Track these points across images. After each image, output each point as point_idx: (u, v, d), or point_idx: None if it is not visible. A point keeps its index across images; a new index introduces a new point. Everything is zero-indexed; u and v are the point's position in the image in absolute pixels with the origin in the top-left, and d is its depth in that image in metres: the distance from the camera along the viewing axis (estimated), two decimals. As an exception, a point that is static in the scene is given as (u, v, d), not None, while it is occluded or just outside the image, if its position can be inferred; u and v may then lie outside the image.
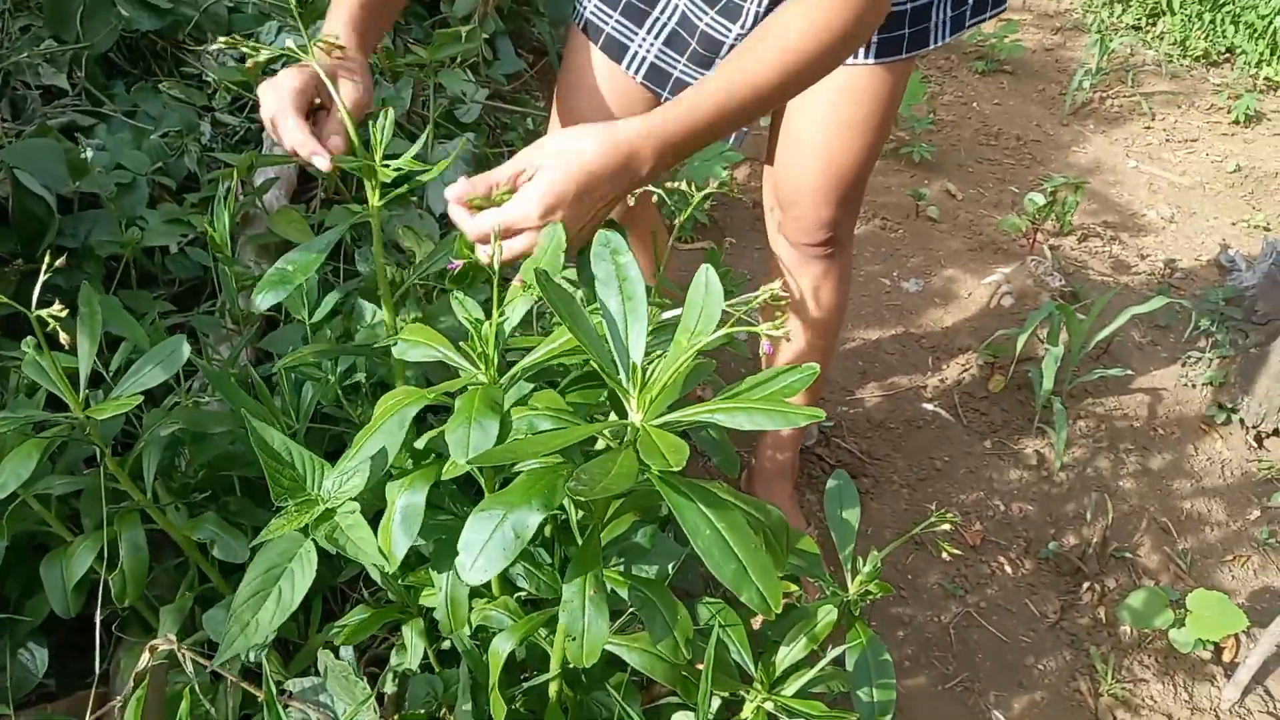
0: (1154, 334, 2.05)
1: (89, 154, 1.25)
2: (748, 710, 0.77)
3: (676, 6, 1.09)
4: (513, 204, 0.75)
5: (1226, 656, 1.46)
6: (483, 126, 1.68)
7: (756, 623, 0.95)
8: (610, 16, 1.12)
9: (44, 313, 0.68)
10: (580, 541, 0.72)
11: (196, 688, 0.75)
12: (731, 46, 1.07)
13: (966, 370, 1.88)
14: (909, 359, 1.90)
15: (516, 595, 0.79)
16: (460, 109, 1.57)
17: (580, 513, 0.76)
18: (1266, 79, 3.31)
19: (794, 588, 0.85)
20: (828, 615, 0.80)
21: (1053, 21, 3.55)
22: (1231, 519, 1.72)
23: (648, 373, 0.62)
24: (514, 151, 1.04)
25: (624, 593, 0.69)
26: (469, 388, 0.66)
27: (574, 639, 0.62)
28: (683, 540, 0.72)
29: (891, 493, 1.63)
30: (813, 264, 1.28)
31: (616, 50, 1.13)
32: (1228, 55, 3.42)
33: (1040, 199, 2.20)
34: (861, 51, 1.10)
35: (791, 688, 0.78)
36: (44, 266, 0.70)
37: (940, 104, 2.93)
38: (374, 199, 0.80)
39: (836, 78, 1.02)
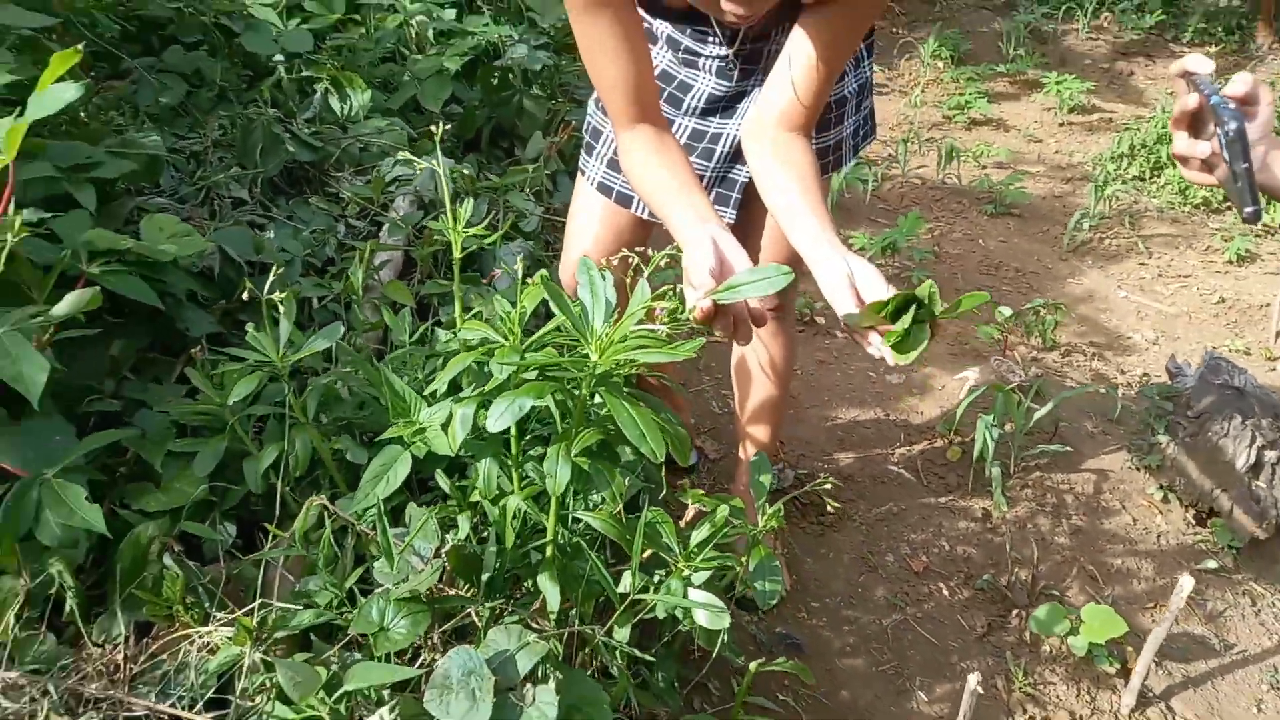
0: (1105, 425, 2.50)
1: (265, 239, 1.90)
2: (673, 569, 1.27)
3: None
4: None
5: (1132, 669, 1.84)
6: (539, 236, 2.32)
7: (683, 521, 1.44)
8: (616, 179, 1.62)
9: (274, 296, 1.27)
10: (559, 430, 1.25)
11: (330, 537, 1.29)
12: (707, 179, 1.61)
13: (931, 444, 2.35)
14: (883, 432, 2.39)
15: (526, 488, 1.31)
16: (523, 221, 2.21)
17: (562, 419, 1.28)
18: (1264, 225, 3.79)
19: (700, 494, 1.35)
20: (722, 512, 1.30)
21: (1064, 173, 4.14)
22: (1159, 575, 2.11)
23: (601, 336, 1.17)
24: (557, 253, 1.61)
25: (584, 466, 1.21)
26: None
27: (551, 475, 1.15)
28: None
29: (852, 529, 2.09)
30: (767, 324, 1.82)
31: (624, 200, 1.62)
32: (1229, 204, 3.92)
33: (1008, 310, 2.71)
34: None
35: (698, 560, 1.28)
36: (239, 301, 1.30)
37: (948, 240, 3.50)
38: (457, 270, 1.39)
39: None
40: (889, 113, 4.60)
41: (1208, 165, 1.10)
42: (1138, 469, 2.37)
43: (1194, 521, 2.27)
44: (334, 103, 2.43)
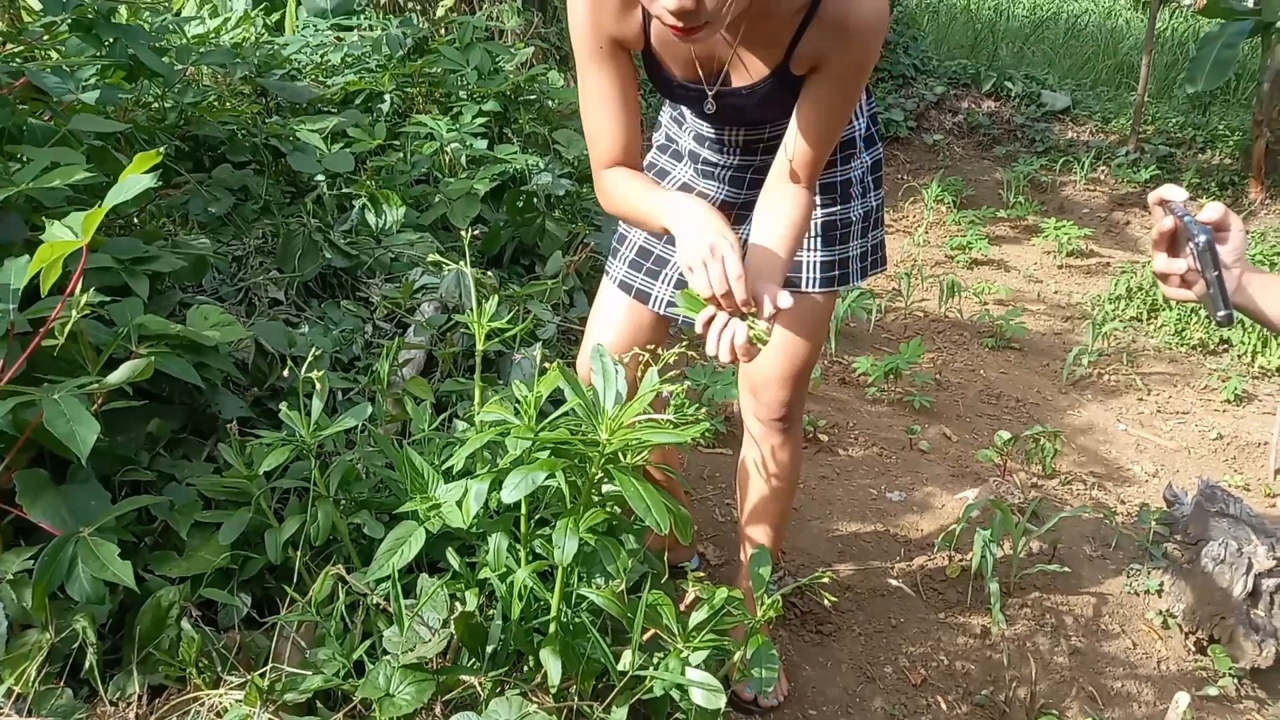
0: (1104, 550, 2.53)
1: (297, 335, 2.02)
2: (672, 649, 1.32)
3: (679, 265, 1.81)
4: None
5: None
6: (554, 344, 2.44)
7: (682, 605, 1.49)
8: (636, 277, 1.80)
9: (311, 374, 1.38)
10: (569, 505, 1.32)
11: (344, 610, 1.35)
12: None
13: (931, 560, 2.39)
14: (883, 547, 2.43)
15: (533, 568, 1.38)
16: (541, 329, 2.34)
17: (570, 496, 1.36)
18: (1261, 367, 3.90)
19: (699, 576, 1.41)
20: (721, 595, 1.35)
21: (1063, 311, 4.29)
22: (1160, 700, 2.11)
23: (612, 419, 1.27)
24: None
25: (590, 540, 1.28)
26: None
27: (559, 548, 1.22)
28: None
29: (851, 639, 2.11)
30: (774, 434, 1.89)
31: (642, 297, 1.82)
32: (1224, 346, 4.05)
33: (1006, 434, 2.79)
34: (810, 283, 1.78)
35: (696, 640, 1.33)
36: (269, 389, 1.41)
37: (950, 370, 3.61)
38: (479, 362, 1.50)
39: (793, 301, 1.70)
40: (893, 250, 4.80)
41: (1186, 282, 1.21)
42: (1137, 594, 2.39)
43: (1194, 648, 2.28)
44: (370, 217, 2.61)
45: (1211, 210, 1.20)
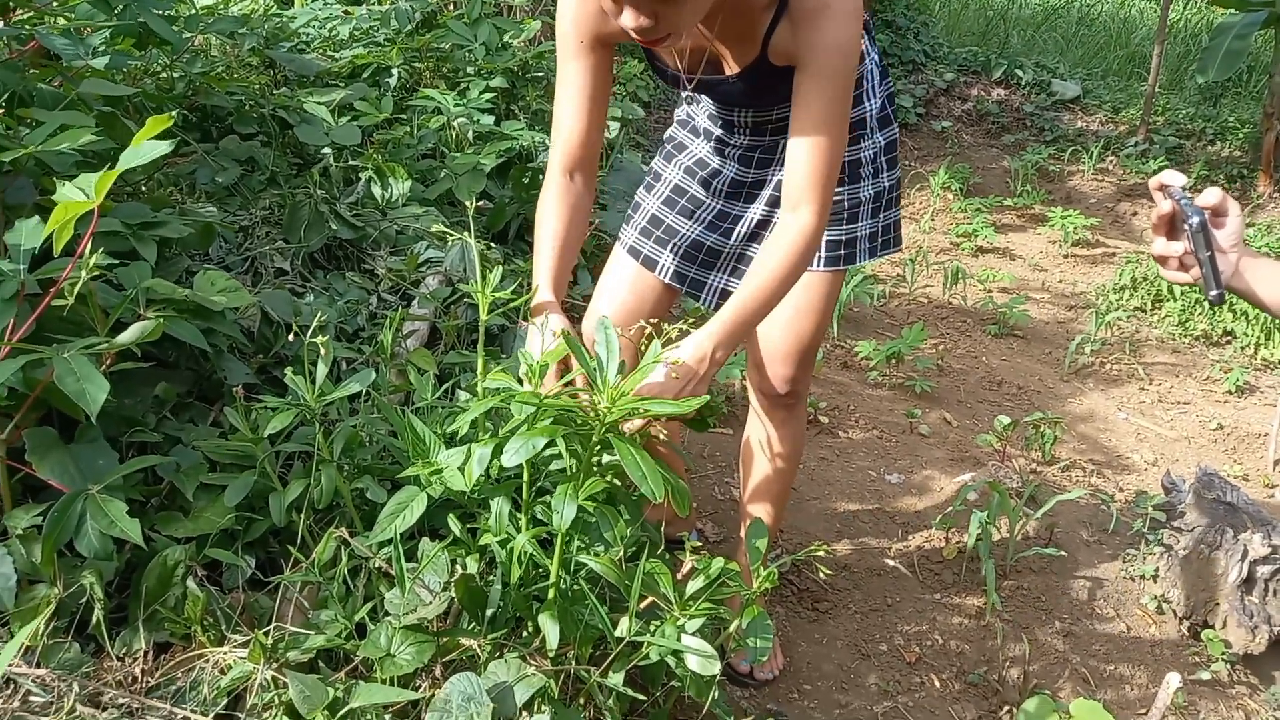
0: (1101, 535, 2.55)
1: (302, 304, 2.04)
2: (668, 617, 1.34)
3: (687, 237, 1.83)
4: (657, 386, 1.37)
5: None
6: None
7: (679, 575, 1.51)
8: (645, 244, 1.85)
9: (316, 340, 1.39)
10: (568, 473, 1.34)
11: (346, 573, 1.38)
12: (726, 255, 1.78)
13: (928, 541, 2.42)
14: (880, 528, 2.46)
15: (533, 534, 1.40)
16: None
17: (571, 462, 1.38)
18: (1264, 359, 3.91)
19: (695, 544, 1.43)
20: (717, 565, 1.38)
21: (1067, 300, 4.30)
22: (1152, 683, 2.14)
23: (613, 387, 1.28)
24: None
25: (589, 508, 1.30)
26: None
27: (558, 513, 1.24)
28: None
29: (847, 616, 2.14)
30: (779, 410, 1.90)
31: (649, 264, 1.86)
32: (1227, 337, 4.05)
33: (1006, 420, 2.80)
34: (815, 261, 1.79)
35: (692, 609, 1.35)
36: (274, 357, 1.43)
37: (951, 355, 3.62)
38: (482, 332, 1.52)
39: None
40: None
41: (1183, 265, 1.24)
42: (1132, 579, 2.41)
43: (1188, 633, 2.30)
44: (376, 189, 2.62)
45: (1210, 195, 1.22)
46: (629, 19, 1.25)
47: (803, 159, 1.42)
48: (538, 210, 1.56)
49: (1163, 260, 1.26)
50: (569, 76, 1.50)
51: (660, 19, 1.25)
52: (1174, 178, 1.25)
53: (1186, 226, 1.19)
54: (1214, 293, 1.17)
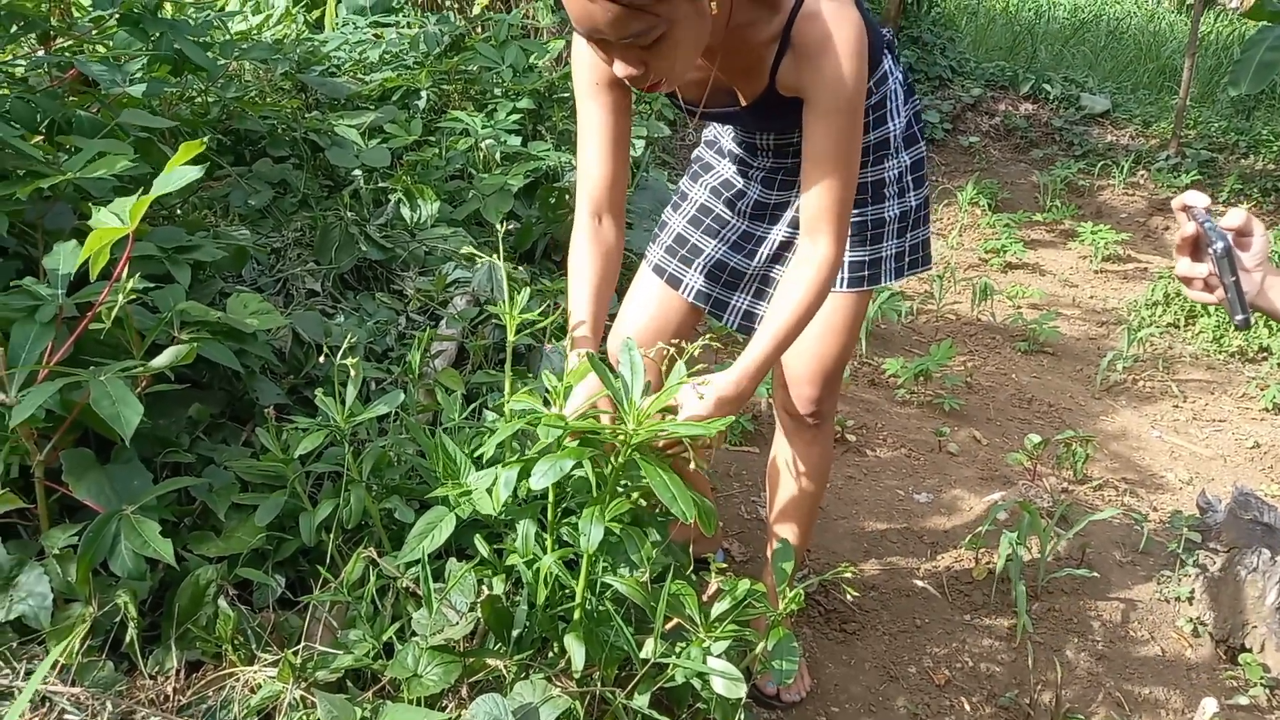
0: (1134, 556, 2.52)
1: (333, 325, 2.07)
2: (694, 639, 1.34)
3: (712, 256, 1.84)
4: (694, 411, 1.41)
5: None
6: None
7: (705, 596, 1.51)
8: (670, 262, 1.87)
9: (346, 361, 1.41)
10: (594, 494, 1.34)
11: (374, 593, 1.39)
12: (750, 276, 1.79)
13: (957, 561, 2.39)
14: (909, 548, 2.43)
15: (559, 555, 1.40)
16: (571, 324, 2.38)
17: (598, 484, 1.38)
18: (1300, 376, 3.84)
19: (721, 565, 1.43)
20: (743, 587, 1.37)
21: (1098, 316, 4.25)
22: (1188, 708, 2.10)
23: (639, 408, 1.29)
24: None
25: (616, 529, 1.30)
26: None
27: (584, 535, 1.24)
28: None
29: (875, 638, 2.12)
30: (804, 430, 1.90)
31: (674, 282, 1.87)
32: (1263, 354, 3.99)
33: (1036, 438, 2.77)
34: (839, 283, 1.79)
35: (718, 630, 1.34)
36: (305, 378, 1.45)
37: (980, 373, 3.59)
38: (510, 352, 1.53)
39: None
40: (927, 253, 4.78)
41: (1208, 286, 1.23)
42: (1167, 600, 2.37)
43: (1225, 656, 2.26)
44: (405, 211, 2.65)
45: (1234, 216, 1.21)
46: (619, 69, 1.29)
47: (816, 191, 1.44)
48: (569, 258, 1.57)
49: (1187, 281, 1.25)
50: (588, 118, 1.53)
51: (650, 68, 1.28)
52: (1197, 198, 1.25)
53: (1211, 251, 1.18)
54: (1239, 317, 1.16)
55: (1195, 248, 1.24)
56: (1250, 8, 5.49)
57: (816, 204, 1.45)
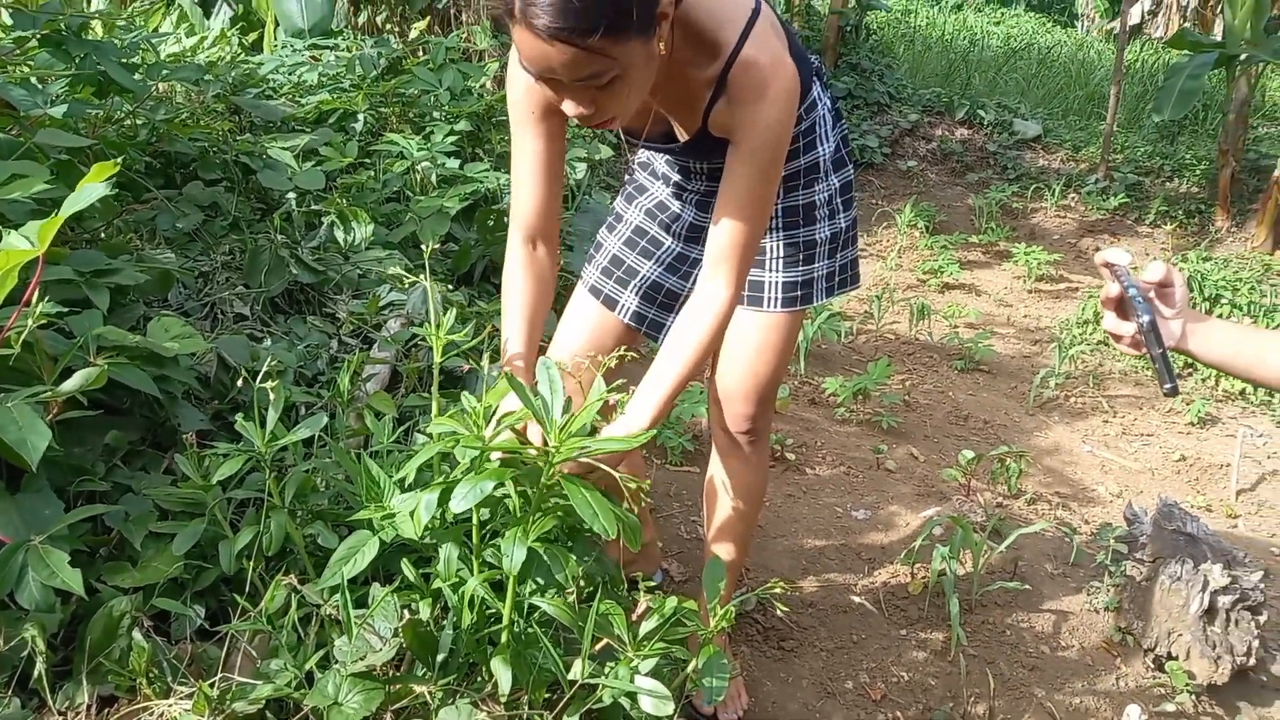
0: (1065, 568, 2.56)
1: (261, 349, 2.03)
2: (622, 658, 1.33)
3: (647, 278, 1.84)
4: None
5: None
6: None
7: (635, 615, 1.50)
8: (606, 283, 1.87)
9: (265, 385, 1.39)
10: (516, 518, 1.33)
11: (297, 620, 1.36)
12: (684, 298, 1.80)
13: (894, 577, 2.41)
14: (847, 564, 2.45)
15: (485, 577, 1.39)
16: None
17: (521, 505, 1.37)
18: (1224, 390, 3.97)
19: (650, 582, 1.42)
20: (671, 604, 1.37)
21: (1031, 335, 4.35)
22: (1116, 716, 2.13)
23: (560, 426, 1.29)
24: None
25: (539, 550, 1.29)
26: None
27: (507, 556, 1.23)
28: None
29: (812, 654, 2.12)
30: (740, 448, 1.91)
31: (610, 303, 1.87)
32: (1189, 369, 4.11)
33: (970, 453, 2.82)
34: (771, 303, 1.81)
35: (646, 649, 1.34)
36: (230, 403, 1.42)
37: (918, 391, 3.65)
38: (436, 374, 1.52)
39: (757, 319, 1.75)
40: (865, 273, 4.86)
41: (1134, 343, 1.27)
42: (1096, 611, 2.42)
43: (1152, 665, 2.31)
44: (339, 234, 2.63)
45: (1154, 271, 1.25)
46: (569, 108, 1.30)
47: (724, 228, 1.46)
48: (503, 284, 1.58)
49: (1116, 337, 1.29)
50: (523, 146, 1.53)
51: (599, 107, 1.30)
52: (1118, 256, 1.29)
53: (1139, 323, 1.22)
54: (1168, 386, 1.20)
55: (1120, 305, 1.28)
56: (1173, 37, 5.70)
57: (724, 242, 1.47)
